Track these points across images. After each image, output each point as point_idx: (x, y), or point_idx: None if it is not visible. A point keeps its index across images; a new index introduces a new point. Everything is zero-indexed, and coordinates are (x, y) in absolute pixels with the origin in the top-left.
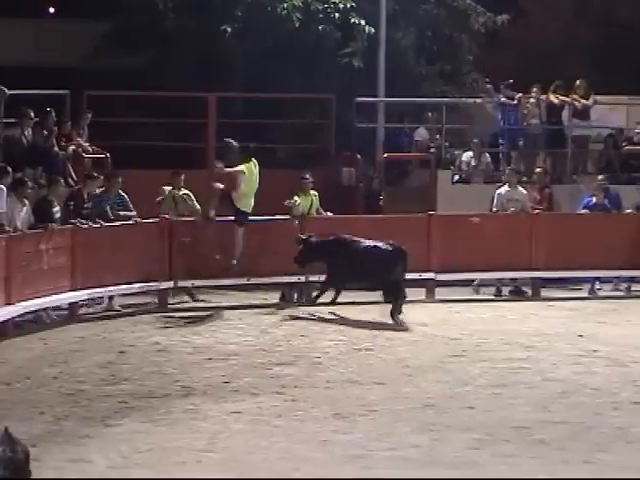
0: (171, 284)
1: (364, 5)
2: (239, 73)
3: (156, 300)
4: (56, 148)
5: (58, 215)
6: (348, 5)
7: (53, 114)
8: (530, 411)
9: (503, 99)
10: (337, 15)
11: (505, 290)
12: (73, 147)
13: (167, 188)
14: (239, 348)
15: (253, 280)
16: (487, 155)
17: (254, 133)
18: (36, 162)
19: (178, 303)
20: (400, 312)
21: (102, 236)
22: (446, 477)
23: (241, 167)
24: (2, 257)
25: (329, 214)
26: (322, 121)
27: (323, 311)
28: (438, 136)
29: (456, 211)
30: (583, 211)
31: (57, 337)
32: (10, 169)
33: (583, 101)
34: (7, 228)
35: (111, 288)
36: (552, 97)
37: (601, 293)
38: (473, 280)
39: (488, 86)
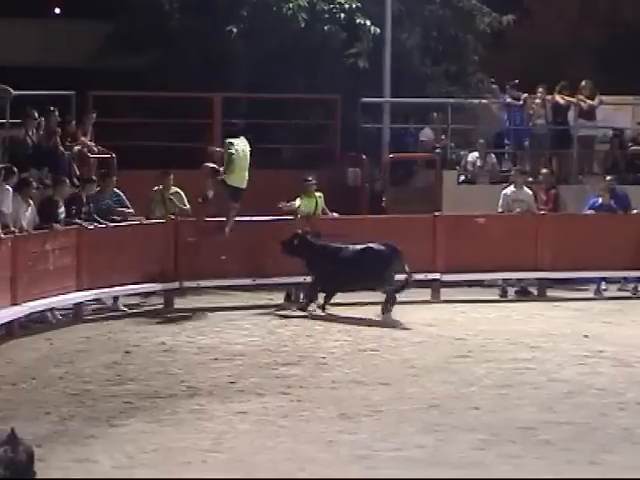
0: (177, 284)
1: (369, 6)
2: (244, 73)
3: (162, 300)
4: (61, 148)
5: (63, 216)
6: (354, 5)
7: (56, 113)
8: (535, 412)
9: (509, 99)
10: (342, 15)
11: (511, 290)
12: (78, 147)
13: (157, 188)
14: (245, 348)
15: (259, 281)
16: (493, 156)
17: (259, 134)
18: (41, 162)
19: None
20: (389, 311)
21: (108, 236)
22: (451, 477)
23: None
24: (8, 257)
25: (335, 215)
26: (327, 121)
27: (329, 312)
28: (443, 136)
29: (461, 212)
30: (589, 212)
31: (63, 337)
32: (16, 169)
33: (589, 101)
34: (12, 228)
35: (117, 288)
36: (558, 97)
37: (607, 293)
38: (481, 280)
39: (494, 86)
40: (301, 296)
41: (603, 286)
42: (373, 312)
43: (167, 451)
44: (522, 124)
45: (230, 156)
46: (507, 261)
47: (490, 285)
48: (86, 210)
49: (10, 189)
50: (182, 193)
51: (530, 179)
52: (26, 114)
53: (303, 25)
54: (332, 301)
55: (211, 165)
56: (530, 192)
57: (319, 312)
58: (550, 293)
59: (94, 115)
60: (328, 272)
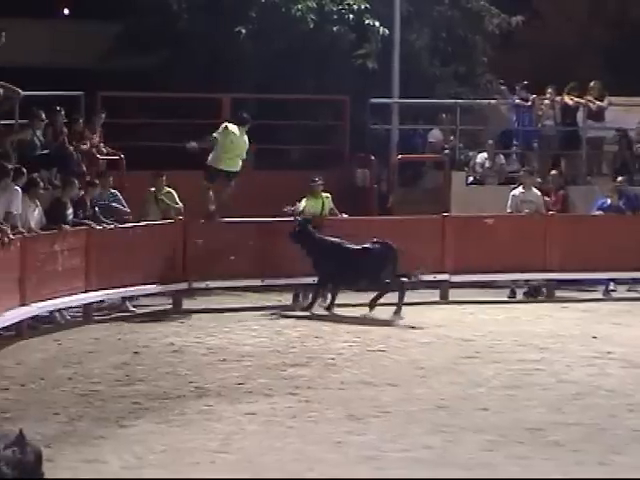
0: (185, 285)
1: (378, 6)
2: (252, 74)
3: (170, 301)
4: (70, 148)
5: (71, 217)
6: (362, 6)
7: (62, 113)
8: (544, 413)
9: (517, 100)
10: (351, 16)
11: (519, 292)
12: (86, 145)
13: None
14: (253, 349)
15: (267, 281)
16: (502, 157)
17: (267, 134)
18: (50, 163)
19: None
20: (373, 308)
21: (116, 237)
22: (459, 478)
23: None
24: (17, 258)
25: (344, 216)
26: (336, 122)
27: (337, 312)
28: (452, 137)
29: (470, 213)
30: (597, 213)
31: (71, 338)
32: (25, 170)
33: (598, 102)
34: (21, 229)
35: (125, 289)
36: (566, 98)
37: (616, 294)
38: (491, 282)
39: (502, 87)
40: (310, 297)
41: (612, 287)
42: (382, 313)
43: (176, 452)
44: (531, 125)
45: (226, 137)
46: (516, 262)
47: (499, 286)
48: (90, 214)
49: (19, 190)
50: (174, 192)
51: (539, 179)
52: (33, 115)
53: (312, 26)
54: (340, 302)
55: (194, 144)
56: (539, 193)
57: (325, 312)
58: (559, 294)
59: (103, 115)
60: (325, 264)
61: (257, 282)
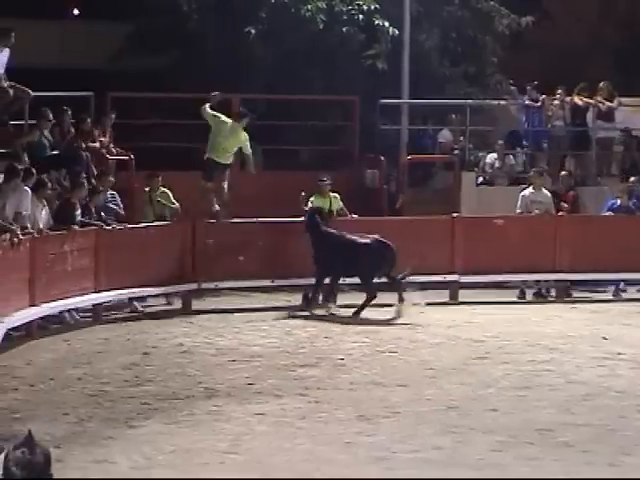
0: (195, 286)
1: (388, 7)
2: (262, 74)
3: (180, 301)
4: (80, 149)
5: (80, 218)
6: (372, 7)
7: (69, 113)
8: (554, 413)
9: (527, 101)
10: (361, 17)
11: (529, 292)
12: (94, 144)
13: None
14: (263, 350)
15: (277, 282)
16: (511, 157)
17: (277, 135)
18: (60, 164)
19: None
20: (362, 310)
21: (126, 238)
22: (469, 479)
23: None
24: (26, 258)
25: (354, 216)
26: (346, 123)
27: (346, 313)
28: (462, 138)
29: (480, 213)
30: (608, 213)
31: (81, 338)
32: (34, 171)
33: (607, 103)
34: (30, 230)
35: (134, 290)
36: (576, 99)
37: (626, 295)
38: (501, 282)
39: (512, 88)
40: (320, 298)
41: (622, 287)
42: (392, 314)
43: (185, 452)
44: (540, 125)
45: (215, 121)
46: (526, 263)
47: (509, 287)
48: (96, 219)
49: (29, 190)
50: (169, 192)
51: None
52: (40, 115)
53: (321, 26)
54: (347, 302)
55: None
56: (549, 194)
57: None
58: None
59: (113, 116)
60: (326, 255)
61: (267, 282)
